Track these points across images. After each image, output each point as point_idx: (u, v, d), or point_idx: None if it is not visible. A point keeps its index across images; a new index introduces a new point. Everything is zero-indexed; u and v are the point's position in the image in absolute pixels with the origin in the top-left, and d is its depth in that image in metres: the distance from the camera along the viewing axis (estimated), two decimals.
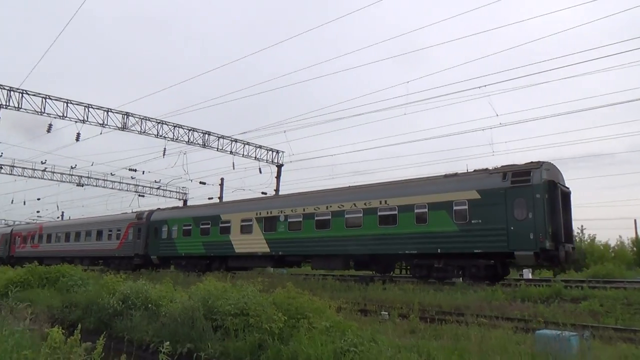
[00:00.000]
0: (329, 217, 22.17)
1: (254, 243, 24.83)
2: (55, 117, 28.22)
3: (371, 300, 15.21)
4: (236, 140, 36.30)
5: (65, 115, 28.42)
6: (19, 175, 42.18)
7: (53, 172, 43.34)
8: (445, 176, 19.99)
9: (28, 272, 17.32)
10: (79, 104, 29.02)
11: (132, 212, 35.24)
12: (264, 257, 24.79)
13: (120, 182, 47.99)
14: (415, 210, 19.34)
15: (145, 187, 49.71)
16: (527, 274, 25.26)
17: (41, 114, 27.75)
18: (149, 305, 11.78)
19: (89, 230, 36.23)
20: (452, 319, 10.76)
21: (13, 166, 40.83)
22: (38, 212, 60.64)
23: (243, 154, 37.05)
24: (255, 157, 37.86)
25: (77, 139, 29.24)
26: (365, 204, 21.00)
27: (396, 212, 19.92)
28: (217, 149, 35.54)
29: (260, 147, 37.86)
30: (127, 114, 30.95)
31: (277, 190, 39.90)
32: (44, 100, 27.81)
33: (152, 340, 10.25)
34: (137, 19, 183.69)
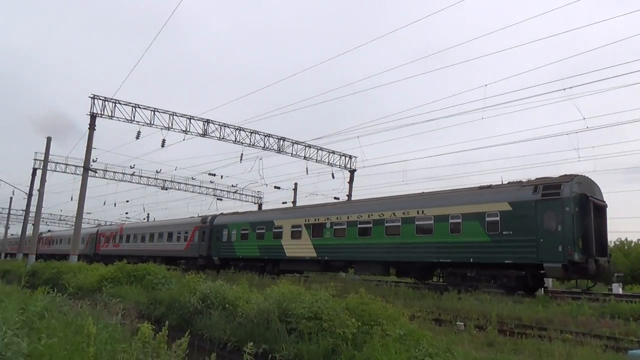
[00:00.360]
0: (370, 225, 23.07)
1: (303, 248, 26.03)
2: (143, 125, 30.16)
3: (445, 309, 14.83)
4: (310, 146, 36.86)
5: (152, 122, 30.31)
6: (111, 179, 45.43)
7: (140, 176, 46.27)
8: (480, 188, 20.51)
9: (118, 270, 18.47)
10: (165, 112, 30.83)
11: (198, 217, 37.42)
12: (312, 261, 25.87)
13: (200, 186, 50.29)
14: (450, 221, 19.92)
15: (223, 190, 51.70)
16: (617, 288, 23.50)
17: (131, 122, 29.77)
18: (227, 305, 12.22)
19: (162, 232, 39.00)
20: (533, 333, 10.26)
21: (106, 170, 44.04)
22: (127, 213, 64.86)
23: (316, 159, 37.54)
24: (329, 163, 38.24)
25: (163, 145, 31.00)
26: (403, 213, 21.81)
27: (432, 222, 20.59)
28: (292, 154, 36.29)
29: (333, 152, 38.19)
30: (208, 121, 32.42)
31: (349, 195, 40.00)
32: (133, 109, 29.83)
33: (229, 339, 10.64)
34: (218, 33, 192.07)
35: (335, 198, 45.96)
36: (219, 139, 32.98)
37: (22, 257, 41.68)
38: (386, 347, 7.18)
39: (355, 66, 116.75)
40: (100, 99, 29.19)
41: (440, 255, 20.08)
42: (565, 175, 17.87)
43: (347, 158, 39.14)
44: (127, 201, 57.15)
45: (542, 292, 19.73)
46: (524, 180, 18.99)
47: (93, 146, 30.10)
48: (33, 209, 41.07)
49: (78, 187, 31.13)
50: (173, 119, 31.04)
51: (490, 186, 20.19)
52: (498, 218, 18.35)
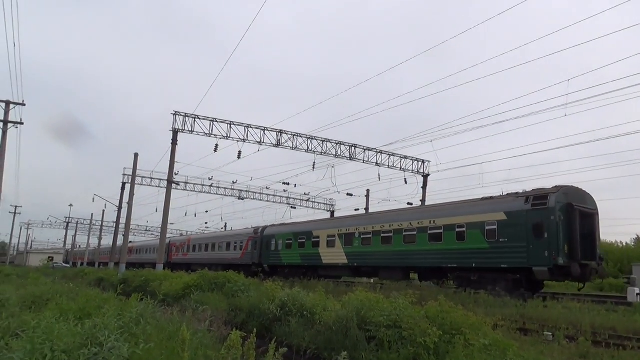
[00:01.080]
0: (391, 234, 25.61)
1: (337, 255, 28.92)
2: (220, 138, 31.46)
3: (531, 318, 14.15)
4: (382, 152, 36.70)
5: (228, 135, 31.56)
6: (191, 191, 47.77)
7: (218, 187, 48.33)
8: (482, 199, 23.00)
9: (200, 277, 19.26)
10: (240, 124, 32.02)
11: (252, 228, 40.62)
12: (344, 267, 28.63)
13: (274, 195, 51.58)
14: (456, 229, 22.26)
15: (297, 199, 52.64)
16: (633, 293, 21.24)
17: (209, 136, 31.16)
18: (305, 313, 12.40)
19: (222, 243, 42.89)
20: (632, 345, 9.53)
21: (187, 183, 46.34)
22: (206, 223, 67.81)
23: (389, 165, 37.32)
24: (401, 168, 37.86)
25: (239, 157, 32.17)
26: (418, 223, 24.32)
27: (442, 231, 22.94)
28: (363, 160, 36.32)
29: (405, 157, 37.79)
30: (281, 132, 33.26)
31: (423, 200, 39.32)
32: (211, 123, 31.25)
33: (308, 347, 10.78)
34: (288, 45, 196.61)
35: (408, 204, 45.37)
36: (292, 148, 33.73)
37: (114, 266, 44.73)
38: (470, 357, 7.00)
39: (428, 69, 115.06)
40: (181, 115, 30.86)
41: (449, 261, 22.33)
42: (556, 186, 19.84)
43: (420, 163, 38.55)
44: (207, 211, 59.88)
45: (639, 300, 18.44)
46: (520, 192, 21.18)
47: (175, 160, 31.76)
48: (123, 220, 44.02)
49: (162, 199, 33.01)
50: (248, 131, 32.17)
51: (491, 197, 22.58)
52: (496, 227, 20.57)
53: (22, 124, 21.42)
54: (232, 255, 40.09)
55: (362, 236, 27.44)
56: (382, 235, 26.07)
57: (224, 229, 62.93)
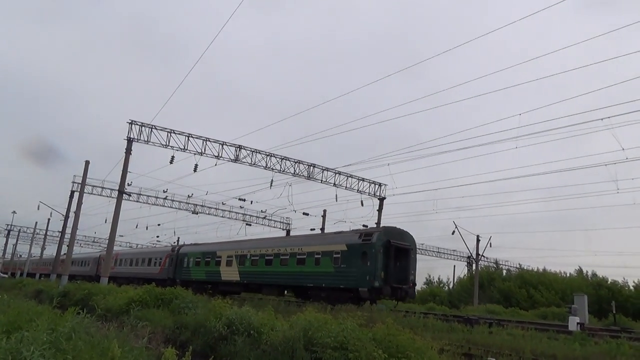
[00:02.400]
0: (272, 257, 30.07)
1: (232, 273, 33.17)
2: (177, 150, 30.83)
3: (476, 344, 14.33)
4: (340, 173, 36.87)
5: (186, 148, 30.96)
6: (144, 203, 46.34)
7: (172, 200, 47.11)
8: (335, 233, 28.98)
9: (146, 293, 18.57)
10: (198, 137, 31.49)
11: (170, 245, 45.49)
12: (237, 283, 32.71)
13: (230, 211, 50.75)
14: (315, 256, 26.83)
15: (253, 216, 52.01)
16: (573, 322, 22.16)
17: (166, 147, 30.47)
18: (252, 332, 12.10)
19: (144, 258, 46.15)
20: None
21: (139, 194, 45.01)
22: (157, 236, 65.73)
23: (346, 187, 37.47)
24: (358, 190, 38.09)
25: (195, 170, 31.54)
26: (291, 249, 28.90)
27: (305, 257, 27.52)
28: (321, 180, 36.35)
29: (363, 179, 38.07)
30: (240, 147, 32.91)
31: (378, 223, 39.61)
32: (169, 134, 30.59)
33: None
34: (249, 61, 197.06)
35: (363, 226, 45.63)
36: (250, 164, 33.38)
37: (56, 278, 42.64)
38: None
39: (386, 94, 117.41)
40: (137, 124, 30.07)
41: (309, 281, 26.87)
42: (380, 226, 26.33)
43: (377, 186, 38.92)
44: (159, 225, 58.20)
45: (579, 329, 19.03)
46: (359, 229, 26.71)
47: (128, 170, 30.82)
48: (69, 230, 42.18)
49: (112, 210, 31.84)
50: (206, 144, 31.64)
51: (341, 232, 28.43)
52: (339, 255, 25.28)
53: None
54: (152, 270, 43.24)
55: (252, 258, 31.90)
56: (266, 258, 30.63)
57: (176, 244, 61.39)
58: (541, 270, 59.10)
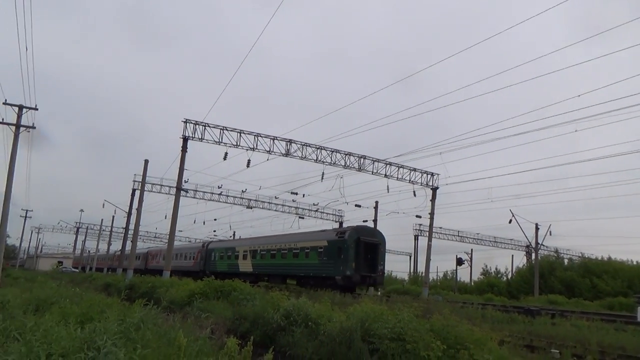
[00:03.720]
0: (275, 252, 35.59)
1: (247, 265, 39.08)
2: (230, 146, 31.54)
3: (538, 335, 13.89)
4: (391, 164, 36.50)
5: (238, 144, 31.62)
6: (200, 199, 47.77)
7: (227, 196, 48.24)
8: (322, 231, 34.39)
9: (206, 285, 19.22)
10: (250, 133, 32.08)
11: (200, 242, 52.44)
12: (251, 274, 37.30)
13: (283, 205, 51.38)
14: (305, 250, 32.12)
15: (305, 209, 52.42)
16: None
17: (219, 144, 31.25)
18: (309, 323, 12.26)
19: (182, 253, 52.43)
20: None
21: (196, 190, 46.43)
22: (214, 231, 67.61)
23: (397, 177, 37.05)
24: (410, 180, 37.59)
25: (248, 165, 32.17)
26: (288, 244, 34.40)
27: (299, 251, 32.89)
28: (372, 172, 36.13)
29: (414, 169, 37.52)
30: (290, 141, 33.24)
31: (431, 213, 39.04)
32: (221, 131, 31.35)
33: (311, 357, 10.64)
34: (298, 55, 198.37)
35: (417, 216, 45.13)
36: (301, 158, 33.65)
37: (122, 272, 44.85)
38: None
39: (438, 81, 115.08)
40: (191, 122, 31.00)
41: (300, 271, 32.20)
42: (352, 226, 32.17)
43: (429, 175, 38.26)
44: (215, 219, 59.74)
45: None
46: (337, 228, 34.02)
47: (185, 167, 31.84)
48: (132, 226, 44.19)
49: (171, 206, 33.04)
50: (257, 139, 32.18)
51: (324, 230, 34.50)
52: (323, 250, 30.50)
53: (34, 127, 21.66)
54: (187, 263, 49.85)
55: (261, 252, 37.49)
56: (271, 252, 36.15)
57: (232, 238, 62.98)
58: (606, 258, 56.21)
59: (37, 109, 21.77)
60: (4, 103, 21.00)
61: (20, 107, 21.25)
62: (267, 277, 36.50)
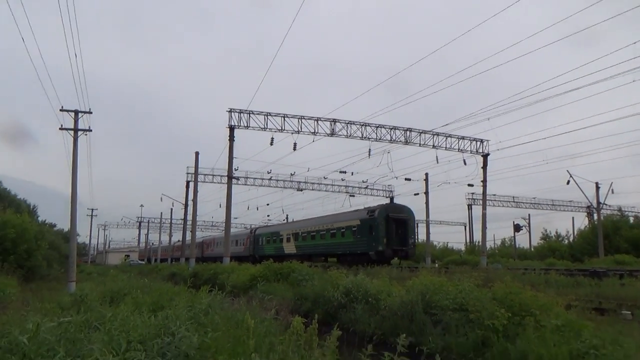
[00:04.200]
0: (315, 233, 38.43)
1: (291, 247, 41.54)
2: (275, 131, 31.89)
3: (607, 297, 13.42)
4: (438, 134, 35.78)
5: (283, 128, 31.90)
6: (251, 185, 48.71)
7: (277, 180, 48.93)
8: (354, 210, 36.45)
9: (266, 268, 19.76)
10: (294, 116, 32.25)
11: (248, 229, 57.11)
12: (295, 255, 38.70)
13: (332, 185, 51.55)
14: (341, 230, 34.74)
15: (354, 187, 52.40)
16: None
17: (264, 130, 31.64)
18: (369, 299, 12.40)
19: (233, 240, 52.29)
20: None
21: (246, 177, 47.35)
22: (268, 215, 68.85)
23: (446, 147, 36.32)
24: (459, 149, 36.74)
25: (294, 149, 32.43)
26: (325, 226, 37.15)
27: (335, 231, 35.45)
28: (420, 144, 35.57)
29: (463, 138, 36.62)
30: (335, 121, 33.17)
31: (484, 180, 38.10)
32: (265, 117, 31.69)
33: (374, 332, 10.79)
34: (334, 30, 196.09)
35: (469, 185, 44.11)
36: (346, 136, 33.56)
37: (185, 261, 46.69)
38: (543, 339, 6.73)
39: (482, 43, 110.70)
40: (236, 111, 31.50)
41: (338, 250, 34.62)
42: (381, 205, 34.19)
43: (479, 142, 37.24)
44: (267, 204, 60.76)
45: None
46: (368, 207, 34.81)
47: (234, 156, 32.49)
48: (190, 217, 45.78)
49: (224, 195, 33.90)
50: (301, 122, 32.32)
51: (356, 210, 36.15)
52: (356, 228, 32.79)
53: (91, 130, 22.74)
54: (238, 249, 52.41)
55: (302, 234, 40.25)
56: (311, 234, 38.99)
57: (285, 221, 64.01)
58: None
59: (91, 112, 22.84)
60: (61, 110, 22.13)
61: (76, 112, 22.32)
62: (309, 257, 37.62)
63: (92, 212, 69.20)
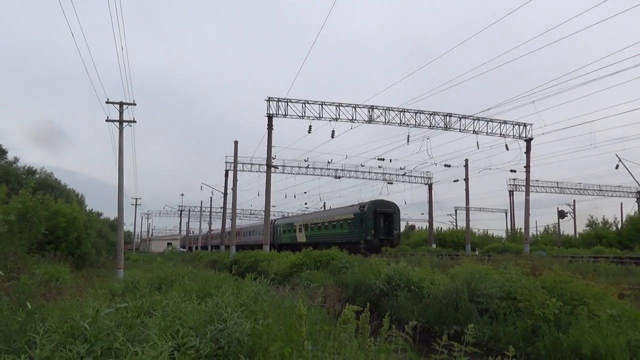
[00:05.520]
0: (320, 224, 43.54)
1: (302, 237, 46.24)
2: (313, 119, 31.92)
3: None
4: (479, 119, 35.03)
5: (321, 116, 31.89)
6: (289, 173, 49.07)
7: (314, 168, 49.06)
8: (350, 206, 40.76)
9: (305, 256, 19.91)
10: (331, 104, 32.18)
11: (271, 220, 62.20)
12: (305, 244, 40.91)
13: (369, 172, 51.32)
14: (339, 222, 39.55)
15: (392, 174, 52.00)
16: None
17: (302, 118, 31.72)
18: (412, 287, 12.34)
19: (255, 230, 61.63)
20: None
21: (284, 165, 47.72)
22: (306, 203, 69.23)
23: (487, 132, 35.54)
24: (501, 134, 35.88)
25: (332, 136, 32.45)
26: (328, 218, 42.40)
27: (335, 223, 40.30)
28: (460, 129, 34.92)
29: (505, 122, 35.73)
30: (372, 107, 32.93)
31: (527, 166, 37.12)
32: (303, 105, 31.73)
33: (417, 320, 10.72)
34: (370, 17, 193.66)
35: (511, 171, 43.04)
36: (385, 123, 33.30)
37: (225, 249, 47.60)
38: (597, 328, 6.53)
39: (524, 23, 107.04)
40: (274, 100, 31.68)
41: (336, 239, 36.22)
42: (371, 201, 37.82)
43: (522, 127, 36.21)
44: (305, 192, 61.14)
45: None
46: (360, 203, 38.67)
47: (272, 144, 32.74)
48: (228, 205, 46.55)
49: (263, 184, 34.31)
50: (339, 109, 32.24)
51: (352, 205, 40.24)
52: (350, 221, 37.40)
53: (135, 122, 23.38)
54: (260, 238, 56.15)
55: (311, 225, 45.23)
56: (317, 225, 43.99)
57: (322, 209, 64.18)
58: None
59: (135, 104, 23.44)
60: (106, 102, 22.82)
61: (121, 104, 22.96)
62: (316, 246, 41.36)
63: (136, 201, 71.48)
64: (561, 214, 56.15)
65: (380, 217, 35.42)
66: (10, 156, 39.45)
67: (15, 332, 5.47)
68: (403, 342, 4.52)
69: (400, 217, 40.22)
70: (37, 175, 41.21)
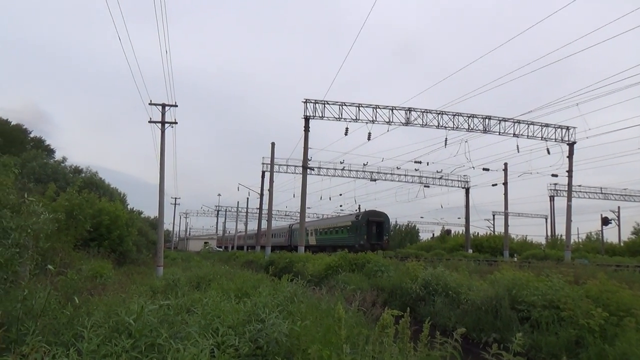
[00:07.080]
0: (326, 229, 50.18)
1: (313, 240, 52.36)
2: (350, 121, 31.89)
3: None
4: (519, 122, 34.22)
5: (357, 118, 31.83)
6: (324, 175, 49.15)
7: (350, 170, 48.98)
8: (349, 214, 51.18)
9: (341, 258, 19.92)
10: (368, 106, 32.06)
11: (288, 225, 68.35)
12: (316, 246, 48.99)
13: (405, 175, 50.83)
14: (341, 228, 46.00)
15: (429, 177, 51.36)
16: None
17: (339, 120, 31.75)
18: (449, 292, 12.15)
19: (279, 233, 67.20)
20: None
21: (320, 167, 47.84)
22: (341, 206, 69.29)
23: (528, 135, 34.66)
24: (542, 137, 34.92)
25: (369, 138, 32.31)
26: (332, 225, 49.37)
27: (338, 229, 46.67)
28: (499, 132, 34.20)
29: (547, 125, 34.77)
30: (410, 109, 32.64)
31: (569, 171, 35.97)
32: (340, 107, 31.76)
33: (455, 327, 10.55)
34: (413, 18, 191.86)
35: (552, 175, 41.82)
36: (422, 125, 32.94)
37: (260, 250, 48.13)
38: None
39: (571, 23, 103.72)
40: (311, 102, 31.83)
41: (338, 243, 41.98)
42: (365, 210, 45.37)
43: (564, 130, 35.11)
44: (340, 194, 61.11)
45: None
46: (356, 212, 47.83)
47: (309, 146, 32.89)
48: (264, 206, 47.04)
49: (298, 185, 34.49)
50: (376, 112, 32.12)
51: (351, 214, 49.01)
52: (349, 227, 43.80)
53: (176, 123, 23.96)
54: (282, 239, 63.86)
55: (319, 230, 52.36)
56: (325, 230, 50.71)
57: (357, 211, 64.00)
58: None
59: (177, 106, 24.02)
60: (150, 103, 23.49)
61: (163, 106, 23.59)
62: (324, 249, 46.96)
63: (175, 200, 73.01)
64: (605, 221, 54.17)
65: (372, 225, 42.26)
66: (58, 155, 41.11)
67: (63, 326, 5.68)
68: (452, 350, 4.46)
69: (390, 225, 47.98)
70: (83, 174, 42.78)
